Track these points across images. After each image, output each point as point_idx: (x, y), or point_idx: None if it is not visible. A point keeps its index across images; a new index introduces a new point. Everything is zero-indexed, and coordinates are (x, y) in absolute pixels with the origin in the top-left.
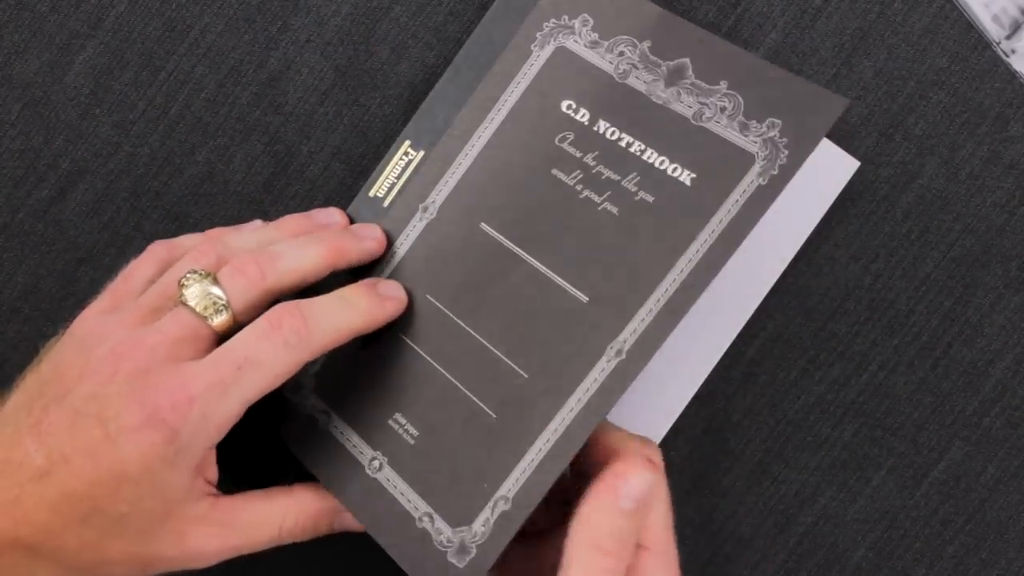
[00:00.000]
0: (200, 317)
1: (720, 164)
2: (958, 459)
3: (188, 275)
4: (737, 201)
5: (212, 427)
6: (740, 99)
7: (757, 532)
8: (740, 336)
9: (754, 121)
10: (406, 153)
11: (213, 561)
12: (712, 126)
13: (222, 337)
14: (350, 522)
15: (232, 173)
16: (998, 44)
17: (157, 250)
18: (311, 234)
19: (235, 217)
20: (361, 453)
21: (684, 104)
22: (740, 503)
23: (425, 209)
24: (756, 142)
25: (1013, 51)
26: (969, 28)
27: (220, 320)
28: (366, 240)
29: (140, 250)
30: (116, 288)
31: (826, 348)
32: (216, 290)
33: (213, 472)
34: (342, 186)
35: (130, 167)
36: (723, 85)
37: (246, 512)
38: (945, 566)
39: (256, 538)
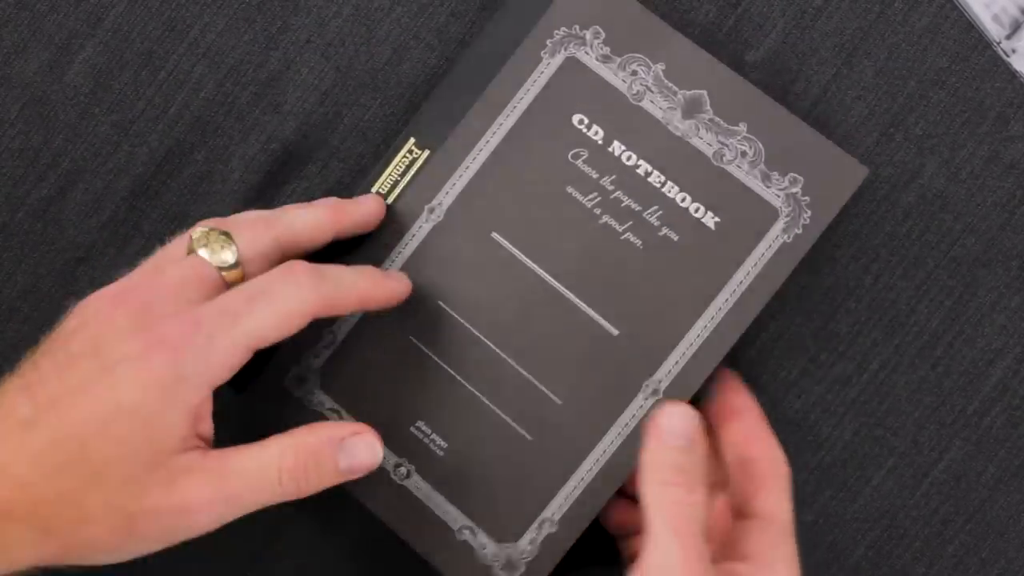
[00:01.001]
0: (207, 263)
1: (744, 212)
2: (958, 459)
3: (197, 228)
4: (763, 255)
5: (218, 357)
6: (761, 146)
7: None
8: (740, 336)
9: (776, 173)
10: (410, 151)
11: (208, 516)
12: (733, 170)
13: (230, 287)
14: (359, 458)
15: (231, 172)
16: (998, 44)
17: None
18: (318, 202)
19: None
20: (384, 459)
21: (703, 140)
22: None
23: (432, 211)
24: (779, 196)
25: (1013, 51)
26: (969, 28)
27: (229, 267)
28: (365, 203)
29: (139, 249)
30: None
31: (827, 348)
32: (226, 240)
33: (208, 427)
34: (340, 185)
35: (129, 166)
36: (743, 128)
37: (240, 458)
38: (945, 565)
39: (254, 484)
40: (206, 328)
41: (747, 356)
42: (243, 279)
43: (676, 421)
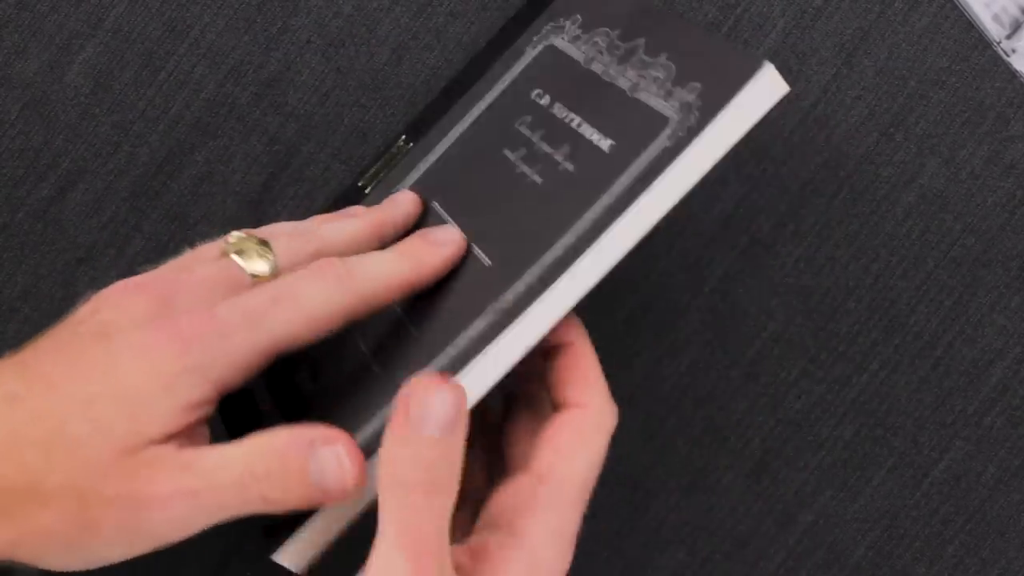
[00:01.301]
0: (239, 267)
1: (635, 129)
2: (959, 459)
3: (233, 234)
4: (640, 165)
5: (231, 356)
6: (673, 68)
7: (757, 531)
8: (740, 336)
9: (679, 87)
10: (399, 147)
11: (165, 515)
12: (643, 96)
13: None
14: (327, 466)
15: (231, 173)
16: (998, 43)
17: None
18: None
19: (234, 218)
20: None
21: (626, 78)
22: (740, 502)
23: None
24: (674, 106)
25: (1013, 50)
26: (969, 27)
27: (260, 267)
28: (403, 204)
29: (140, 250)
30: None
31: (827, 348)
32: (263, 248)
33: (203, 433)
34: (342, 187)
35: (130, 167)
36: (662, 57)
37: (209, 454)
38: (945, 565)
39: (215, 483)
40: (224, 325)
41: (747, 356)
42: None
43: (432, 408)
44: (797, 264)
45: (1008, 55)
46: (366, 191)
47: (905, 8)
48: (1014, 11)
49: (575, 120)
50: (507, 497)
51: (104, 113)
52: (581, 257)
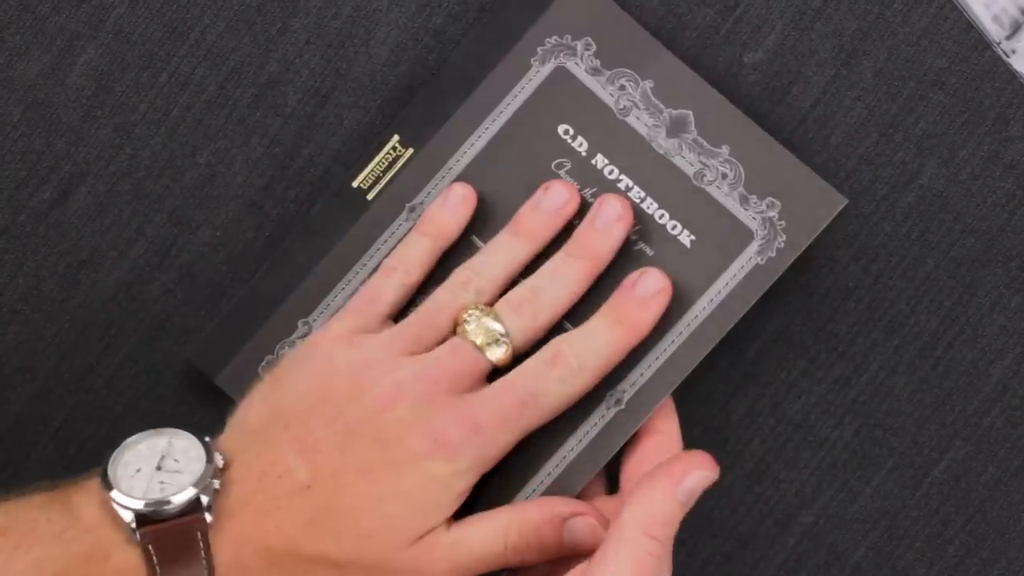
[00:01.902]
0: (479, 351)
1: (719, 232)
2: (959, 459)
3: (469, 311)
4: (735, 276)
5: (490, 457)
6: (742, 169)
7: (757, 531)
8: (740, 336)
9: (754, 196)
10: (394, 148)
11: None
12: (713, 191)
13: (496, 371)
14: (580, 532)
15: (233, 176)
16: (998, 44)
17: (394, 265)
18: (567, 248)
19: (236, 220)
20: None
21: (686, 160)
22: (740, 502)
23: (412, 210)
24: (756, 219)
25: (1013, 51)
26: (969, 28)
27: (500, 354)
28: (613, 229)
29: (142, 253)
30: (360, 307)
31: (826, 348)
32: (497, 325)
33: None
34: (337, 188)
35: (131, 169)
36: (725, 150)
37: (471, 529)
38: (945, 566)
39: (483, 553)
40: (483, 433)
41: (747, 356)
42: (511, 360)
43: (696, 482)
44: (796, 264)
45: (1008, 56)
46: (368, 196)
47: (904, 9)
48: (1014, 12)
49: (634, 190)
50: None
51: (106, 115)
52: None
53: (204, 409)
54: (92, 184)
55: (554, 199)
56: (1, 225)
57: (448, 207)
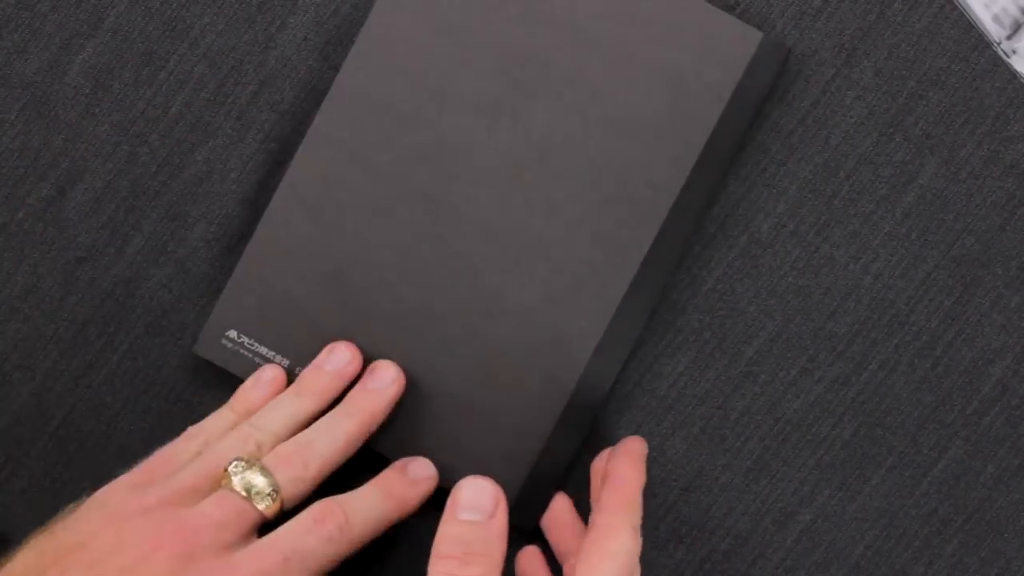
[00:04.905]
0: (247, 501)
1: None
2: (958, 458)
3: (235, 463)
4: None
5: None
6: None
7: (755, 529)
8: (740, 335)
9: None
10: None
11: None
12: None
13: (265, 524)
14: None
15: (229, 172)
16: (998, 44)
17: (194, 434)
18: (342, 407)
19: (234, 217)
20: None
21: None
22: (738, 500)
23: None
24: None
25: (1014, 51)
26: (969, 28)
27: (267, 506)
28: (383, 378)
29: (140, 249)
30: (152, 466)
31: (826, 347)
32: (260, 478)
33: None
34: None
35: (129, 166)
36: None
37: None
38: (944, 565)
39: None
40: None
41: (746, 355)
42: (279, 512)
43: (468, 494)
44: (796, 264)
45: (1008, 56)
46: None
47: (905, 8)
48: (1014, 12)
49: None
50: None
51: (104, 112)
52: None
53: (203, 405)
54: (90, 181)
55: (337, 360)
56: None
57: (258, 386)
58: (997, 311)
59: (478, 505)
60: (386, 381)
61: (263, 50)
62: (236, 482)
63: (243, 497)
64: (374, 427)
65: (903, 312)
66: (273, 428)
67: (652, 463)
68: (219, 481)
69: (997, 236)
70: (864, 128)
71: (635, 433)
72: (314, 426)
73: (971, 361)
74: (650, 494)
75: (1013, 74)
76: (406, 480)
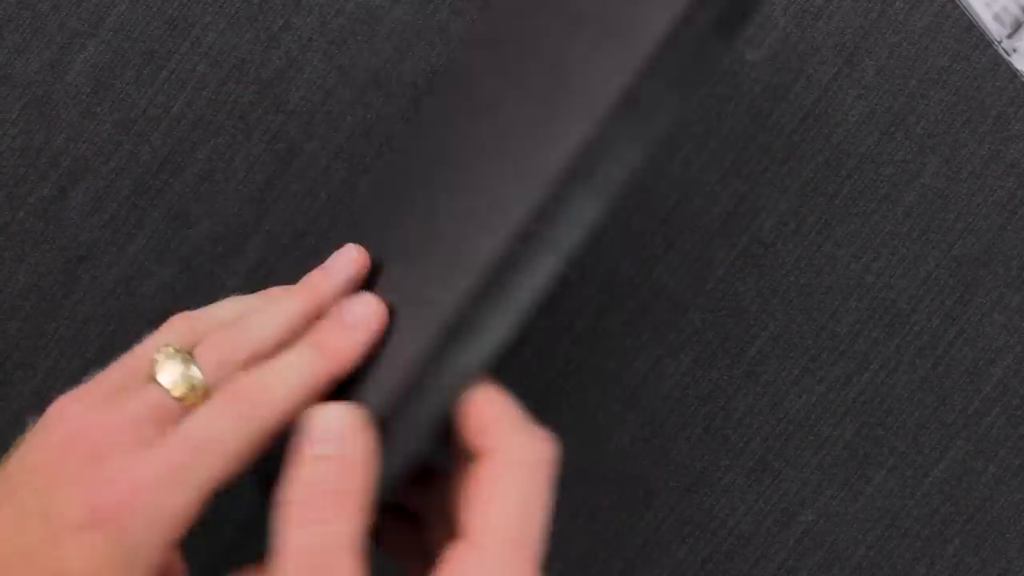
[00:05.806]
0: (170, 395)
1: None
2: (959, 458)
3: (160, 350)
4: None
5: (167, 522)
6: None
7: (757, 530)
8: (741, 335)
9: None
10: None
11: None
12: None
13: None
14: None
15: (233, 172)
16: (999, 43)
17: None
18: (287, 289)
19: (236, 216)
20: None
21: None
22: (740, 501)
23: None
24: None
25: (1015, 50)
26: (970, 27)
27: (184, 394)
28: (341, 262)
29: (141, 248)
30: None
31: (827, 347)
32: (182, 365)
33: (180, 572)
34: (344, 185)
35: (131, 165)
36: None
37: None
38: (945, 565)
39: None
40: (150, 497)
41: (748, 355)
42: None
43: (319, 422)
44: (798, 263)
45: (1009, 54)
46: None
47: (906, 7)
48: (1015, 10)
49: None
50: (447, 569)
51: (105, 112)
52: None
53: None
54: (91, 180)
55: (341, 267)
56: (0, 221)
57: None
58: (998, 311)
59: (330, 432)
60: (343, 261)
61: (266, 49)
62: (159, 372)
63: (166, 391)
64: (327, 305)
65: (904, 311)
66: (215, 319)
67: (655, 464)
68: (147, 376)
69: (998, 235)
70: (865, 127)
71: (639, 433)
72: (255, 307)
73: (972, 361)
74: (653, 494)
75: (1014, 73)
76: (339, 325)
